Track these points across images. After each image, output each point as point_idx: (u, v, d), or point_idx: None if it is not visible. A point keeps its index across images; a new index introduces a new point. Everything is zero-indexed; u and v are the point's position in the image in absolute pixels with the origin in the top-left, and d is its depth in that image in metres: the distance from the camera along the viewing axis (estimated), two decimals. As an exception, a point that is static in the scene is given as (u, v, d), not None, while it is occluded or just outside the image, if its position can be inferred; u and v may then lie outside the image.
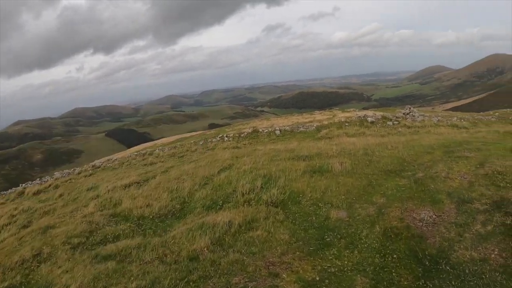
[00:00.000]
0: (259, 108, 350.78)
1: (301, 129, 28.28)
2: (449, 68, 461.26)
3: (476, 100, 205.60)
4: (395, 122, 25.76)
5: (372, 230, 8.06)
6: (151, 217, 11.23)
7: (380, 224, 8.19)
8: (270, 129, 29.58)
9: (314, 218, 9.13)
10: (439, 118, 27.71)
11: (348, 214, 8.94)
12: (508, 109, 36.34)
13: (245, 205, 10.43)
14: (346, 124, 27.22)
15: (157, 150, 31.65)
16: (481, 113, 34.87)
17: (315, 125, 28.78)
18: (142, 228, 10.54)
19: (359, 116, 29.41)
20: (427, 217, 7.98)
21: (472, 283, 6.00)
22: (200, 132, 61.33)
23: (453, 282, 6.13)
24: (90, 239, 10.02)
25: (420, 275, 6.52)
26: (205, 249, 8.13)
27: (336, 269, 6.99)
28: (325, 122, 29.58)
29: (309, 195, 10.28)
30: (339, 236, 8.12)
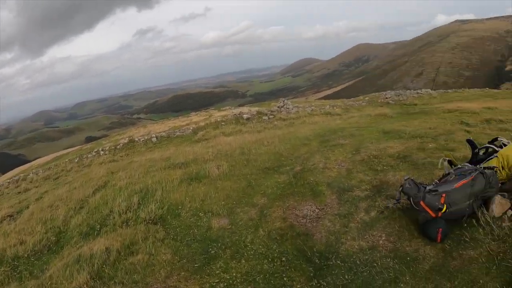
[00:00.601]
0: (135, 116, 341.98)
1: (178, 133, 27.96)
2: (319, 60, 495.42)
3: (345, 87, 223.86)
4: (270, 116, 26.47)
5: (256, 235, 7.80)
6: (26, 255, 9.74)
7: (263, 227, 7.97)
8: (146, 137, 29.03)
9: (196, 230, 8.63)
10: (312, 107, 29.11)
11: (230, 220, 8.61)
12: (377, 93, 39.64)
13: (123, 227, 9.54)
14: (223, 123, 27.41)
15: (31, 174, 29.17)
16: (352, 98, 37.50)
17: (191, 128, 28.63)
18: (18, 271, 9.07)
19: (235, 114, 29.82)
20: (310, 213, 7.95)
21: (365, 274, 5.96)
22: (77, 147, 57.87)
23: (346, 276, 6.05)
24: (-38, 295, 8.52)
25: (312, 275, 6.37)
26: (85, 285, 7.23)
27: (225, 284, 6.56)
28: (202, 124, 29.66)
29: (189, 206, 9.78)
30: (223, 247, 7.72)
